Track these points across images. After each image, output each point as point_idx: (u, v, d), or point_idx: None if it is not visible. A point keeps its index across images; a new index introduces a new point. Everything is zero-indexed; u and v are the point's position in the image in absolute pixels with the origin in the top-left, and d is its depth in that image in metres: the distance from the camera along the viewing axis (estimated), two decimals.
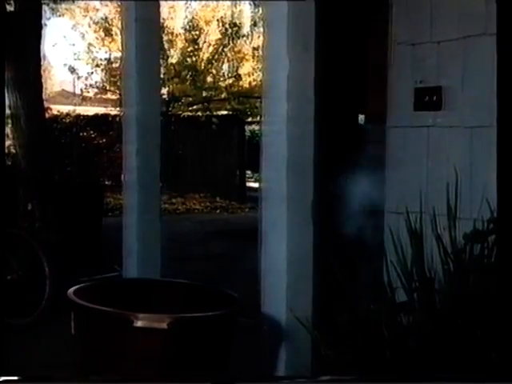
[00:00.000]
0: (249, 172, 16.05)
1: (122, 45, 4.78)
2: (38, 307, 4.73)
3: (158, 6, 4.43)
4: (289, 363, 3.04)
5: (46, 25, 10.23)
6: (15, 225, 6.22)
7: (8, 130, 13.96)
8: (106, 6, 17.14)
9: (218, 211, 12.46)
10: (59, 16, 17.42)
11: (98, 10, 17.69)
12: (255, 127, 18.78)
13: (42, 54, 7.89)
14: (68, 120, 15.40)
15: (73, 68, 18.73)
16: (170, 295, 2.88)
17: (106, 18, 17.39)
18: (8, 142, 13.46)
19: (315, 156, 3.13)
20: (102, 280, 4.57)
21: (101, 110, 16.78)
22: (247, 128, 17.04)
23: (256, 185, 14.61)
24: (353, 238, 3.85)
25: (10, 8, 7.68)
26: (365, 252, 3.72)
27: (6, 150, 12.26)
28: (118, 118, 14.01)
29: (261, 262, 3.18)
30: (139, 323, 2.16)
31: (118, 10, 16.08)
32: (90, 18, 17.91)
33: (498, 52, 2.41)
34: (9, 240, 4.92)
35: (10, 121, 9.34)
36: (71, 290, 2.52)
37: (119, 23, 16.48)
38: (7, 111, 8.83)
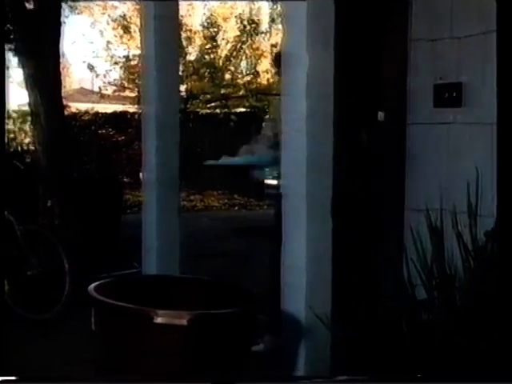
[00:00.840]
0: (266, 169, 15.99)
1: (140, 42, 4.80)
2: (57, 303, 4.77)
3: (177, 4, 4.44)
4: (308, 360, 3.04)
5: (64, 23, 10.27)
6: (35, 221, 6.27)
7: (27, 127, 14.04)
8: (125, 3, 17.22)
9: (236, 208, 12.46)
10: (78, 14, 17.54)
11: (116, 7, 17.79)
12: None
13: (61, 52, 7.94)
14: (87, 117, 15.48)
15: (91, 66, 18.85)
16: (189, 292, 2.88)
17: (125, 15, 17.46)
18: (27, 140, 13.54)
19: (334, 153, 3.12)
20: (122, 277, 4.59)
21: (119, 108, 16.85)
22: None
23: (274, 182, 14.57)
24: (373, 235, 3.84)
25: (29, 6, 7.74)
26: (384, 249, 3.71)
27: (26, 147, 12.36)
28: (136, 116, 14.07)
29: (281, 259, 3.18)
30: (159, 319, 2.17)
31: (137, 7, 16.14)
32: (109, 16, 18.00)
33: (497, 50, 2.41)
34: (29, 236, 4.95)
35: (29, 118, 9.39)
36: (92, 286, 2.54)
37: (137, 20, 16.56)
38: (27, 109, 8.88)
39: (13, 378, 2.38)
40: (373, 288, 3.50)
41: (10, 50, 14.46)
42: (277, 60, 4.27)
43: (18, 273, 4.98)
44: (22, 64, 7.65)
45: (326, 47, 3.03)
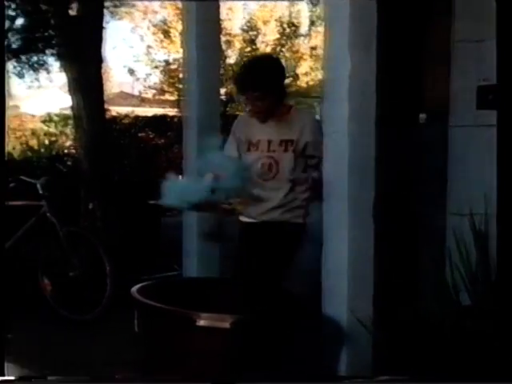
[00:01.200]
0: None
1: (182, 46, 4.83)
2: (98, 304, 4.82)
3: (218, 7, 4.46)
4: (349, 365, 3.02)
5: (105, 28, 10.43)
6: (77, 224, 6.35)
7: (69, 130, 14.20)
8: (165, 8, 17.36)
9: None
10: (119, 19, 17.73)
11: (156, 12, 17.93)
12: None
13: (102, 57, 8.02)
14: (127, 121, 15.62)
15: (132, 70, 19.04)
16: (230, 294, 2.88)
17: (165, 20, 17.58)
18: (69, 143, 13.71)
19: (376, 155, 3.10)
20: (164, 279, 4.62)
21: (159, 111, 16.97)
22: None
23: None
24: (414, 237, 3.80)
25: (72, 12, 7.86)
26: (426, 252, 3.67)
27: (67, 151, 12.53)
28: (176, 119, 14.14)
29: (322, 262, 3.17)
30: (202, 322, 2.17)
31: (177, 11, 16.28)
32: (149, 21, 18.16)
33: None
34: (71, 238, 5.02)
35: (71, 122, 9.50)
36: (134, 288, 2.55)
37: (178, 25, 16.72)
38: (69, 112, 8.99)
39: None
40: (414, 291, 3.46)
41: (52, 54, 14.66)
42: (237, 82, 3.68)
43: (60, 274, 5.05)
44: (65, 68, 7.77)
45: (368, 48, 3.01)
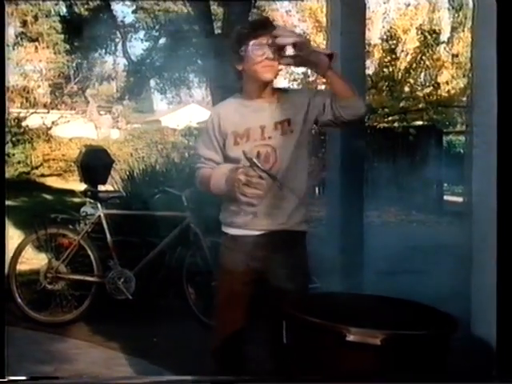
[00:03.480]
0: (445, 184, 15.54)
1: None
2: None
3: (364, 19, 4.44)
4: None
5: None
6: (220, 235, 6.49)
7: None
8: (304, 21, 17.50)
9: (414, 224, 12.15)
10: None
11: (295, 26, 18.14)
12: (452, 138, 18.16)
13: None
14: None
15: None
16: (376, 310, 2.81)
17: (304, 32, 17.74)
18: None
19: None
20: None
21: None
22: (445, 139, 16.51)
23: (454, 198, 14.07)
24: None
25: (217, 30, 8.12)
26: None
27: None
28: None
29: (470, 279, 3.05)
30: (352, 337, 2.12)
31: (316, 24, 16.37)
32: None
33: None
34: (214, 249, 5.13)
35: None
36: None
37: (316, 37, 16.79)
38: None
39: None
40: None
41: (192, 71, 15.05)
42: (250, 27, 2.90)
43: (203, 283, 5.17)
44: (210, 84, 8.02)
45: None
